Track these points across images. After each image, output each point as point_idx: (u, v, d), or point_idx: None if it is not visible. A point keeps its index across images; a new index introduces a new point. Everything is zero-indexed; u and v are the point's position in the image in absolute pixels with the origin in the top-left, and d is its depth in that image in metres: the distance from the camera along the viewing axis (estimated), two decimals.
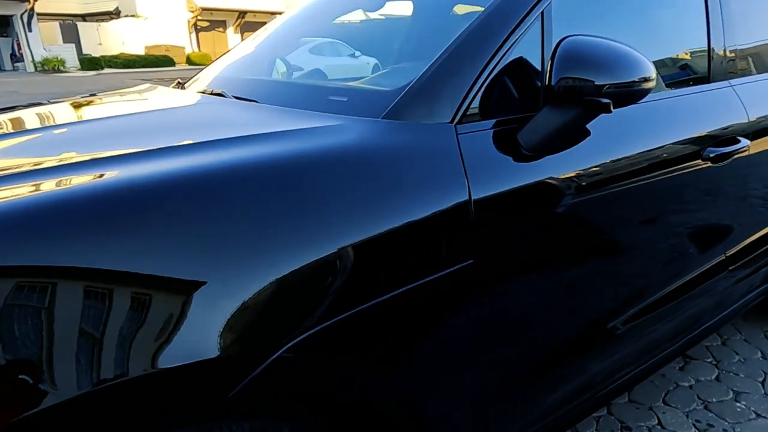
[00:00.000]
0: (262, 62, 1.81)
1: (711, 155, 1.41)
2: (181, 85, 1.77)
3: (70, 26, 26.74)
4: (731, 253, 1.65)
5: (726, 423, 1.82)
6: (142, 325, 0.67)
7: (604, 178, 1.18)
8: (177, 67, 25.92)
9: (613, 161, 1.19)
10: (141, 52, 26.59)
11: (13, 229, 0.64)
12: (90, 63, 23.21)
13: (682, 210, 1.43)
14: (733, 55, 1.61)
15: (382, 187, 0.85)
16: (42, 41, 23.27)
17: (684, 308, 1.61)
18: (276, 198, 0.77)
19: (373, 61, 1.78)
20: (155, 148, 0.87)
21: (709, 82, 1.54)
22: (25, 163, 0.87)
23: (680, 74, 1.52)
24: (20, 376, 0.61)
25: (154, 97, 1.54)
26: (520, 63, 1.11)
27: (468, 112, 1.02)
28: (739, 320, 2.49)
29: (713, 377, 2.06)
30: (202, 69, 1.93)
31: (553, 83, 1.01)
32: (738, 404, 1.91)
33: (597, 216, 1.20)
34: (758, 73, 1.75)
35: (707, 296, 1.66)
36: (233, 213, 0.75)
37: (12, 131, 1.17)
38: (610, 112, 1.03)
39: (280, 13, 2.53)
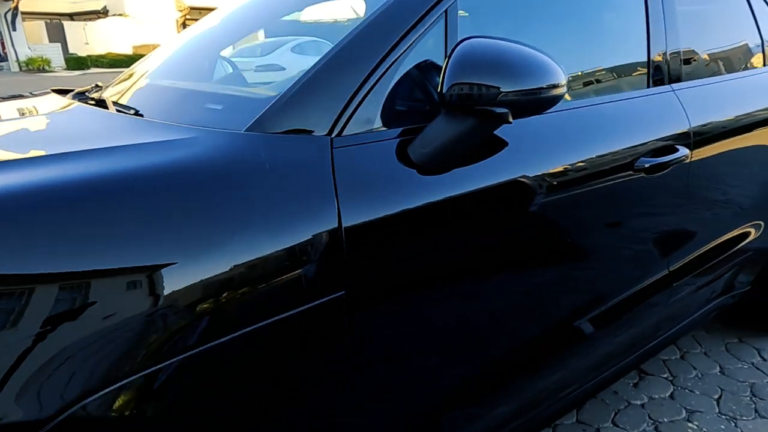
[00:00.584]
0: (199, 63, 1.69)
1: (645, 165, 1.31)
2: (96, 89, 1.65)
3: (56, 25, 26.44)
4: (675, 268, 1.55)
5: None
6: None
7: (515, 194, 1.08)
8: None
9: (526, 177, 1.09)
10: (129, 51, 26.33)
11: None
12: (76, 62, 22.95)
13: (614, 224, 1.33)
14: (676, 58, 1.52)
15: (220, 212, 0.74)
16: (27, 40, 22.97)
17: (634, 322, 1.52)
18: (76, 226, 0.66)
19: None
20: None
21: (648, 87, 1.45)
22: None
23: (616, 79, 1.42)
24: None
25: (22, 106, 1.42)
26: (419, 68, 1.01)
27: (351, 123, 0.91)
28: (702, 331, 2.40)
29: (668, 394, 1.97)
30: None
31: (444, 90, 0.90)
32: (690, 425, 1.81)
33: (506, 234, 1.10)
34: (707, 77, 1.66)
35: (658, 309, 1.57)
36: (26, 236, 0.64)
37: None
38: (509, 122, 0.92)
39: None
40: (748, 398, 1.95)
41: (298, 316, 0.79)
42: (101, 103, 1.17)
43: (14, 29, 22.31)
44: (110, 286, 0.66)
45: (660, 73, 1.47)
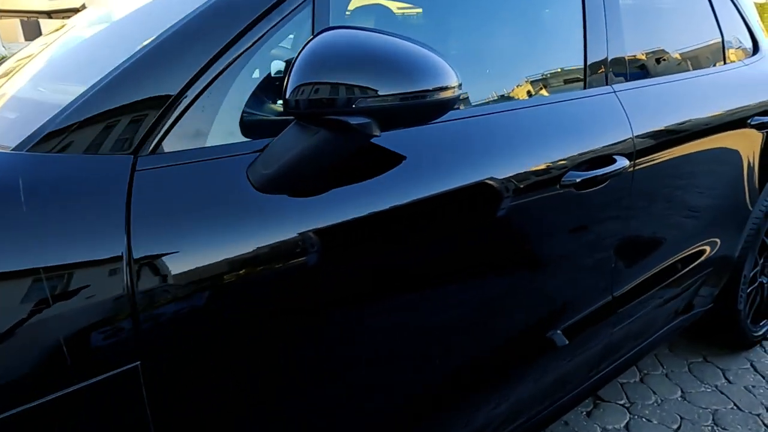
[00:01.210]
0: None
1: (576, 180, 1.12)
2: None
3: (32, 23, 25.82)
4: (619, 293, 1.37)
5: None
6: None
7: (404, 222, 0.89)
8: None
9: (421, 199, 0.90)
10: None
11: None
12: None
13: (542, 249, 1.14)
14: (618, 54, 1.33)
15: None
16: (1, 38, 22.40)
17: (584, 346, 1.34)
18: None
19: None
20: None
21: (585, 88, 1.27)
22: None
23: (545, 79, 1.24)
24: None
25: None
26: (271, 68, 0.82)
27: (170, 137, 0.71)
28: (665, 349, 2.24)
29: (623, 425, 1.79)
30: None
31: (287, 93, 0.71)
32: None
33: (396, 269, 0.91)
34: (657, 75, 1.48)
35: (607, 335, 1.39)
36: None
37: None
38: (374, 135, 0.73)
39: None
40: (710, 428, 1.78)
41: (72, 399, 0.59)
42: None
43: None
44: None
45: (599, 72, 1.29)
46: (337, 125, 0.69)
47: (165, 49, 0.73)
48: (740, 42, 1.94)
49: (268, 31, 0.80)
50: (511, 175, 1.02)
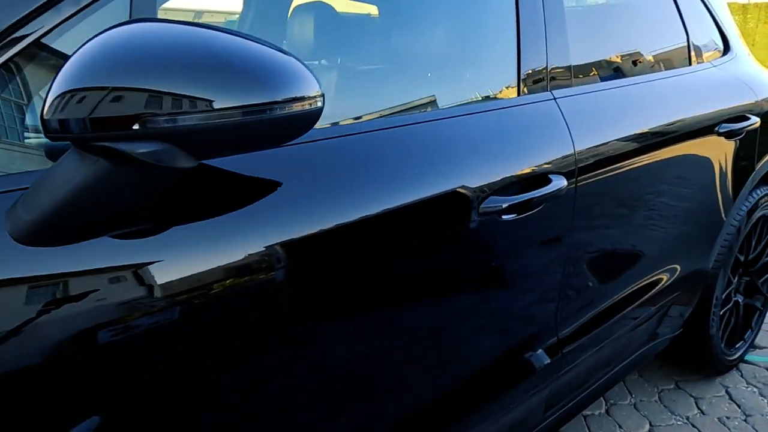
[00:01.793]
0: None
1: (503, 206, 0.94)
2: None
3: None
4: (565, 334, 1.19)
5: None
6: None
7: (273, 270, 0.71)
8: None
9: (292, 240, 0.72)
10: None
11: None
12: None
13: (462, 286, 0.96)
14: (560, 54, 1.16)
15: None
16: None
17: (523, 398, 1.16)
18: None
19: None
20: None
21: (519, 95, 1.09)
22: None
23: (472, 84, 1.06)
24: None
25: None
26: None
27: None
28: (635, 374, 2.07)
29: None
30: None
31: (46, 106, 0.51)
32: None
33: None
34: (610, 79, 1.31)
35: (537, 390, 1.21)
36: None
37: None
38: (179, 168, 0.55)
39: (238, 13, 1.96)
40: None
41: None
42: None
43: None
44: None
45: (536, 76, 1.11)
46: (116, 155, 0.51)
47: None
48: (710, 42, 1.78)
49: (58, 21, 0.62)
50: (417, 201, 0.84)
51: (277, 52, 0.59)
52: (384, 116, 0.94)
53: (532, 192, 0.97)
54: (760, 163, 1.71)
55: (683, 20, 1.61)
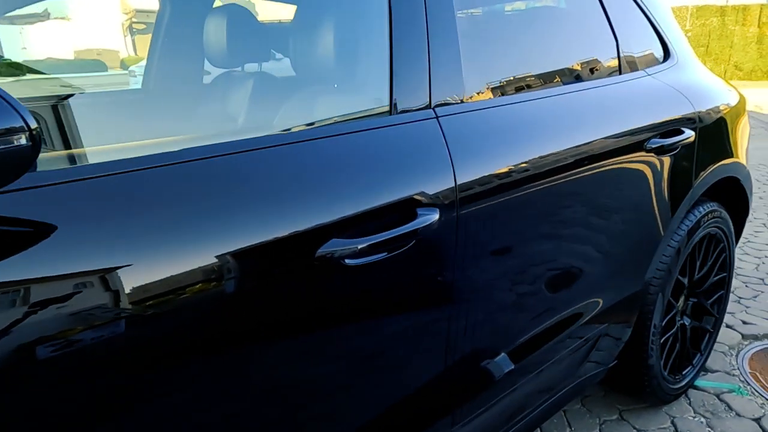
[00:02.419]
0: None
1: (357, 248, 0.79)
2: None
3: None
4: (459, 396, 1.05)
5: None
6: None
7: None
8: (110, 71, 24.54)
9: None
10: (71, 56, 25.11)
11: None
12: (9, 68, 21.69)
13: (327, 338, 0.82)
14: (447, 64, 1.02)
15: None
16: None
17: None
18: None
19: None
20: None
21: (390, 113, 0.94)
22: None
23: (330, 102, 0.92)
24: None
25: None
26: None
27: None
28: (576, 404, 1.93)
29: None
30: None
31: None
32: None
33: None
34: (516, 93, 1.16)
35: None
36: None
37: None
38: None
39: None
40: None
41: None
42: None
43: None
44: None
45: (415, 91, 0.97)
46: None
47: None
48: (646, 49, 1.65)
49: None
50: (244, 248, 0.69)
51: None
52: (217, 142, 0.79)
53: (389, 231, 0.82)
54: (699, 180, 1.58)
55: (612, 26, 1.48)
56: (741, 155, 1.85)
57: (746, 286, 2.80)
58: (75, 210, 0.59)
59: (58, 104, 1.16)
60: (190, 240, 0.65)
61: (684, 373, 1.88)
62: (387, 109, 0.93)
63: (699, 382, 2.00)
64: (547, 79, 1.29)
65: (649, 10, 1.69)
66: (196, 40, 1.48)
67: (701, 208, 1.69)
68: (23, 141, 0.48)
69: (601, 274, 1.33)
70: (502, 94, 1.15)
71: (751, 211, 4.17)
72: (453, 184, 0.92)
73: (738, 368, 2.11)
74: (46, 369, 0.57)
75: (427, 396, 1.00)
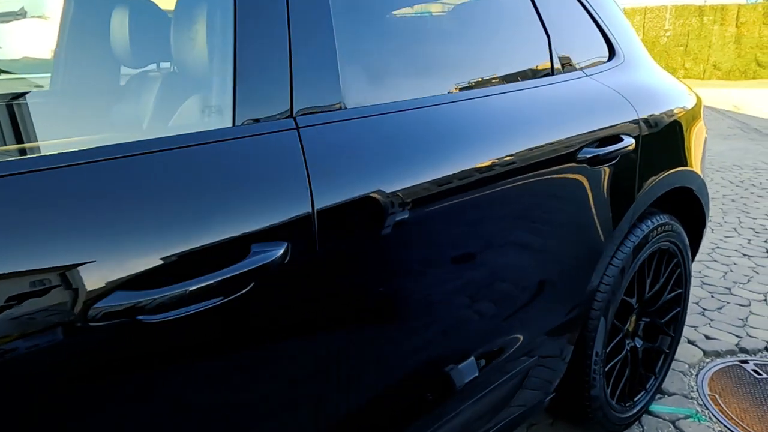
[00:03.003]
0: None
1: (119, 308, 0.62)
2: None
3: None
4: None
5: None
6: None
7: None
8: None
9: None
10: (48, 56, 24.60)
11: None
12: None
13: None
14: (325, 68, 0.85)
15: None
16: None
17: None
18: None
19: None
20: None
21: (233, 124, 0.77)
22: None
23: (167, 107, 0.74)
24: None
25: None
26: None
27: None
28: (523, 430, 1.78)
29: None
30: None
31: None
32: None
33: None
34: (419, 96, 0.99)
35: None
36: None
37: None
38: None
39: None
40: None
41: None
42: None
43: None
44: None
45: (268, 98, 0.79)
46: None
47: None
48: (585, 47, 1.49)
49: None
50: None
51: None
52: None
53: (201, 278, 0.64)
54: (642, 192, 1.42)
55: (542, 21, 1.32)
56: (695, 163, 1.70)
57: (712, 296, 2.67)
58: None
59: None
60: None
61: (636, 399, 1.73)
62: (230, 120, 0.76)
63: (654, 407, 1.85)
64: (458, 81, 1.12)
65: (590, 5, 1.54)
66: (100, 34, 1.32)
67: (649, 222, 1.54)
68: None
69: (524, 305, 1.17)
70: (397, 99, 0.98)
71: (721, 215, 4.07)
72: (310, 210, 0.75)
73: (697, 390, 1.96)
74: None
75: None
